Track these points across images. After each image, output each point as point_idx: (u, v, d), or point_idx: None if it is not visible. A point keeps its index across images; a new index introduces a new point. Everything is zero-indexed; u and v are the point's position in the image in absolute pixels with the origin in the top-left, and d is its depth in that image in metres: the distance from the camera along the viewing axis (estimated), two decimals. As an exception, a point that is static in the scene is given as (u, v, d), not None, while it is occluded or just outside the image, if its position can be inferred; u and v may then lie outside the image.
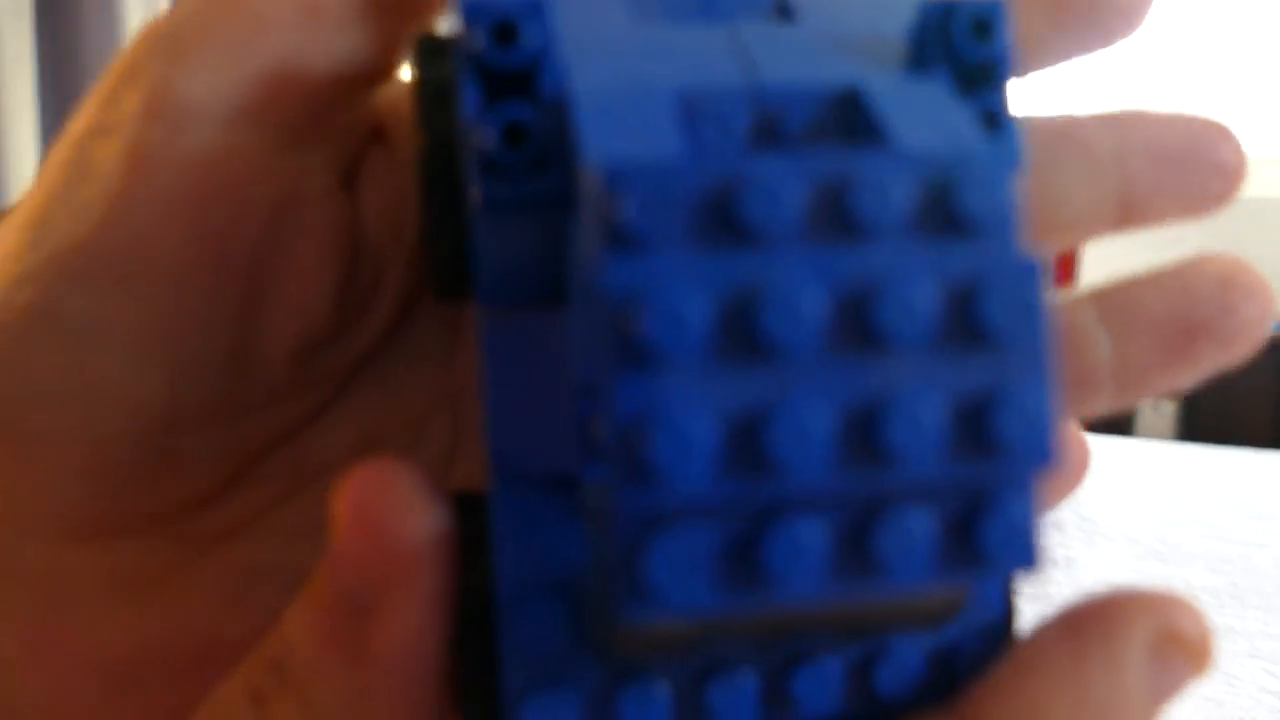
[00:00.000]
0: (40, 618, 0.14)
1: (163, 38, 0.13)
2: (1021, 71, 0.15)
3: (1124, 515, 0.64)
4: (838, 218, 0.09)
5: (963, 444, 0.09)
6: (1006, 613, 0.13)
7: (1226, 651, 0.46)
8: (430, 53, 0.12)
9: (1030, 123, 0.15)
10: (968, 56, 0.12)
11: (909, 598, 0.11)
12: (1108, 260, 1.74)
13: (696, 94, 0.11)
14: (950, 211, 0.09)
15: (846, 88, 0.11)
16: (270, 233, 0.14)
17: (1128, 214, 0.15)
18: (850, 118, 0.11)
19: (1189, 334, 0.15)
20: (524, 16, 0.11)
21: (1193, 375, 0.15)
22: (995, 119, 0.12)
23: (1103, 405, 0.15)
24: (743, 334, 0.09)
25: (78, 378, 0.14)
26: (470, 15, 0.11)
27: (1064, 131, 0.15)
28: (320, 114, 0.14)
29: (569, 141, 0.11)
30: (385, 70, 0.14)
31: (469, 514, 0.12)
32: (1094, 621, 0.12)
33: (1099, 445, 0.79)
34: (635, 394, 0.09)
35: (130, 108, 0.13)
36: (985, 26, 0.12)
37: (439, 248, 0.13)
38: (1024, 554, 0.10)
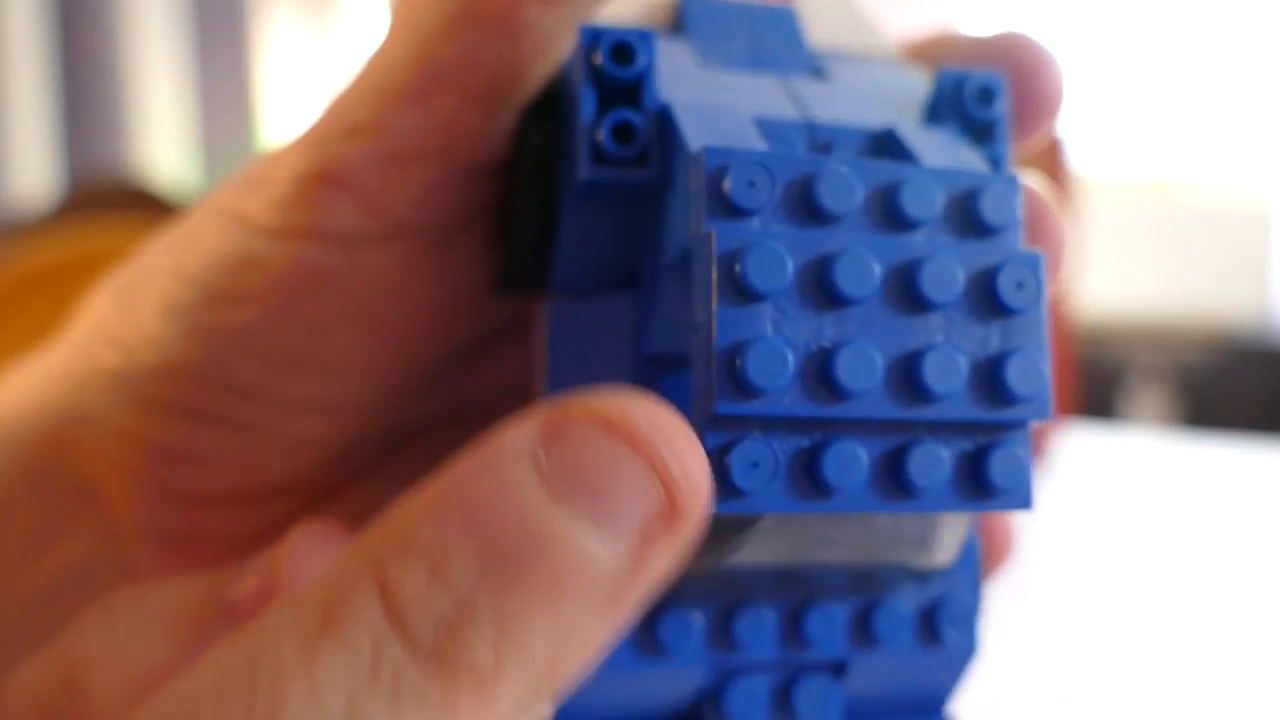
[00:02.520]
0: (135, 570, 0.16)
1: (323, 169, 0.15)
2: None
3: (1117, 508, 0.64)
4: (889, 211, 0.12)
5: (982, 392, 0.12)
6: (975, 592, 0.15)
7: (1224, 648, 0.47)
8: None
9: None
10: (975, 117, 0.14)
11: (920, 542, 0.13)
12: (1109, 278, 1.74)
13: (762, 120, 0.13)
14: (972, 217, 0.12)
15: (884, 128, 0.14)
16: (427, 320, 0.16)
17: None
18: (888, 150, 0.14)
19: None
20: (638, 41, 0.13)
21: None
22: (996, 165, 0.15)
23: None
24: (819, 288, 0.11)
25: (241, 430, 0.15)
26: (595, 36, 0.13)
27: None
28: (460, 221, 0.15)
29: (668, 142, 0.13)
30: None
31: None
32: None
33: (1089, 434, 0.79)
34: (736, 324, 0.11)
35: (300, 221, 0.15)
36: (989, 93, 0.15)
37: (520, 241, 0.15)
38: (1022, 493, 0.12)
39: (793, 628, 0.14)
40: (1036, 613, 0.49)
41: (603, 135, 0.13)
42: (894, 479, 0.12)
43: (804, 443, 0.11)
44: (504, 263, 0.15)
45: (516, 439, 0.10)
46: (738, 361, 0.11)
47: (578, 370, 0.14)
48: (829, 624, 0.14)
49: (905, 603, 0.14)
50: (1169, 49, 1.75)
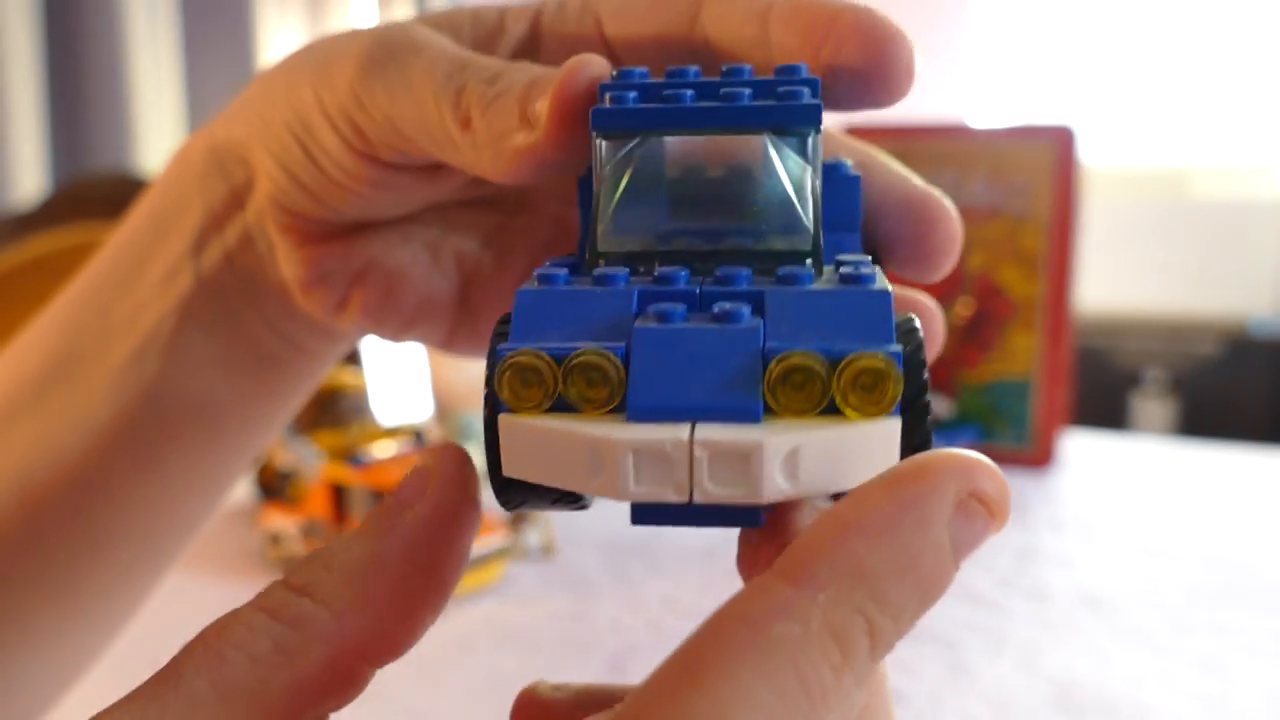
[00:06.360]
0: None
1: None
2: None
3: (1121, 513, 0.64)
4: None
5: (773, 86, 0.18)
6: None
7: (1225, 650, 0.46)
8: None
9: None
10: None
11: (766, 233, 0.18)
12: (1105, 280, 1.73)
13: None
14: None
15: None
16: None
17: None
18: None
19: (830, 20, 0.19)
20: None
21: (832, 54, 0.19)
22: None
23: None
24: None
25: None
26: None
27: None
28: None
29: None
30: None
31: None
32: (910, 484, 0.14)
33: (1095, 441, 0.79)
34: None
35: (333, 142, 0.23)
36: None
37: None
38: (808, 113, 0.18)
39: (707, 274, 0.17)
40: (1041, 615, 0.49)
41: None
42: (712, 97, 0.18)
43: (654, 90, 0.19)
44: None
45: (941, 512, 0.14)
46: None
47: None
48: (739, 272, 0.17)
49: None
50: (1179, 34, 1.74)
